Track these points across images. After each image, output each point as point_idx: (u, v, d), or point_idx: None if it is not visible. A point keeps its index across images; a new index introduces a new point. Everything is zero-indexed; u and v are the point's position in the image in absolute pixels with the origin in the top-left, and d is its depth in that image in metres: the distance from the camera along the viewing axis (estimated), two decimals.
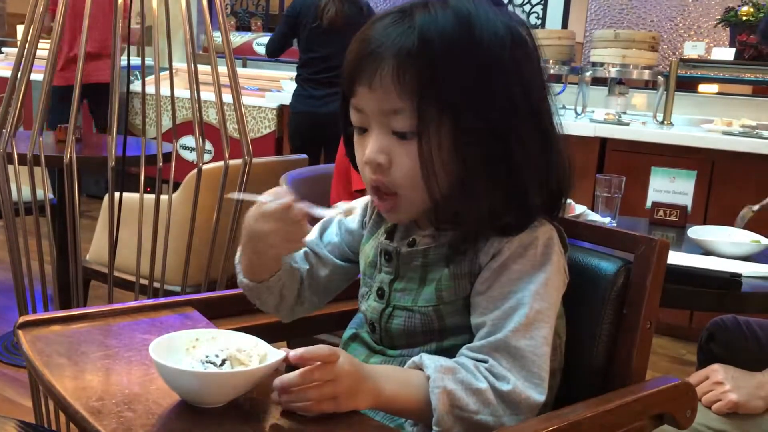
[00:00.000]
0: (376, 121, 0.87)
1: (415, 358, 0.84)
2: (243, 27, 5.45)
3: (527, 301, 0.85)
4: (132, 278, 2.23)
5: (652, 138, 3.36)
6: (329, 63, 3.64)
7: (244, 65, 5.06)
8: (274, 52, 3.97)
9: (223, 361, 0.74)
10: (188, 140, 4.48)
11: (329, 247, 1.07)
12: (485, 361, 0.83)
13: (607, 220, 2.04)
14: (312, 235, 1.07)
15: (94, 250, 2.57)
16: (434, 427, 0.80)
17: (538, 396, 0.83)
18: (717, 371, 1.49)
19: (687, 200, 2.19)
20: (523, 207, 0.88)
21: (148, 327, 0.92)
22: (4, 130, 1.99)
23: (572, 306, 0.97)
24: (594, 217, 2.05)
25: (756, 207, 1.85)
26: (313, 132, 3.73)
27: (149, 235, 1.92)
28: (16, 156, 1.94)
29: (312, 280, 1.05)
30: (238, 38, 5.09)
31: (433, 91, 0.83)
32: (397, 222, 0.96)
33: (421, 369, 0.82)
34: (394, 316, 0.94)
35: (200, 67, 2.00)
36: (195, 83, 1.93)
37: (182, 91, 3.70)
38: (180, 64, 3.98)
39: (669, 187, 2.23)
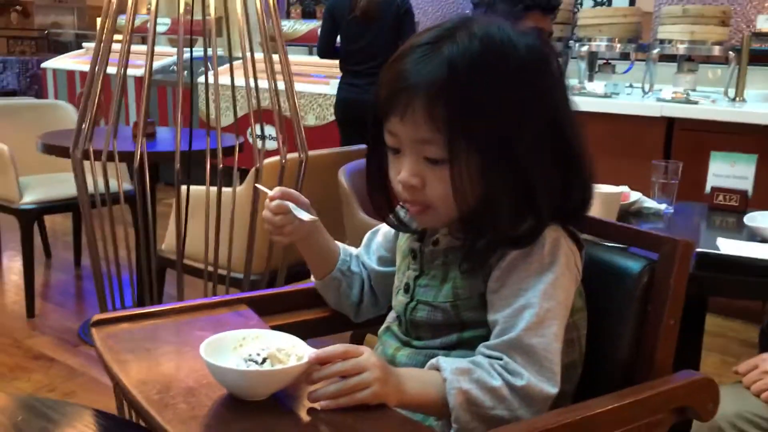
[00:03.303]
0: (408, 148, 0.93)
1: (433, 361, 0.91)
2: (308, 14, 5.55)
3: (536, 301, 0.91)
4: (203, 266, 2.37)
5: (722, 117, 3.28)
6: (368, 53, 3.69)
7: (310, 53, 5.16)
8: (324, 52, 4.02)
9: (264, 360, 0.83)
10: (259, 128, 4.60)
11: (376, 256, 1.17)
12: (500, 359, 0.90)
13: (663, 206, 2.03)
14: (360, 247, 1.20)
15: (169, 241, 2.72)
16: (453, 424, 0.87)
17: (551, 389, 0.89)
18: (766, 360, 1.50)
19: (747, 185, 2.15)
20: (536, 222, 0.93)
21: (205, 324, 1.02)
22: (83, 126, 2.14)
23: (599, 302, 1.02)
24: (650, 203, 2.04)
25: None
26: (357, 118, 3.77)
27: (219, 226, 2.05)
28: (92, 153, 2.09)
29: (368, 285, 1.16)
30: (303, 26, 5.19)
31: (462, 122, 0.88)
32: (425, 226, 1.04)
33: (439, 370, 0.89)
34: (417, 309, 1.01)
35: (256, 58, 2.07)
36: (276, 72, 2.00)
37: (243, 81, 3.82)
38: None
39: (729, 172, 2.19)
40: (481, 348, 0.93)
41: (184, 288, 2.16)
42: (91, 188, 2.13)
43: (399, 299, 1.06)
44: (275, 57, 2.10)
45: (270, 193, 1.05)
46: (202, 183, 2.15)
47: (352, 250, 1.18)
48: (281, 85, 2.15)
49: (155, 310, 1.05)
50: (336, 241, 1.17)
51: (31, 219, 3.18)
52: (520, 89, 0.90)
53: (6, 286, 3.55)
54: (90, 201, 2.16)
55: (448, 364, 0.89)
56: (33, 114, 3.75)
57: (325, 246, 1.14)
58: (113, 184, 2.21)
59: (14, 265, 3.75)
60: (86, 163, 2.12)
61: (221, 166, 1.99)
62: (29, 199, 3.16)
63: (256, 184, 1.20)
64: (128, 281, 2.29)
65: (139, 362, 0.91)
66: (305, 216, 1.03)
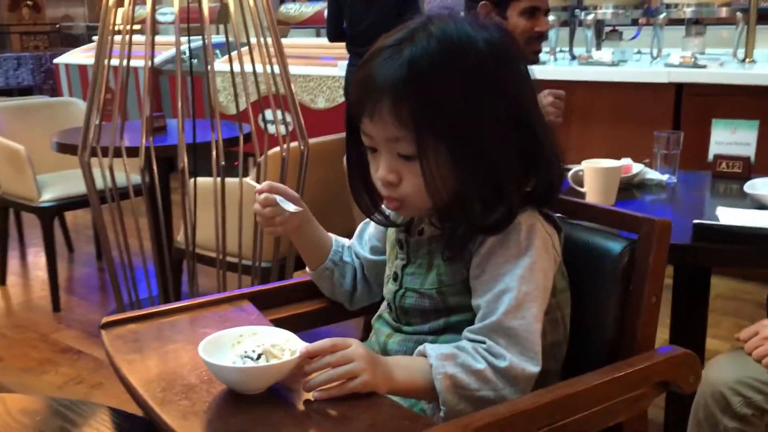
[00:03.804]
0: (382, 146, 0.98)
1: (420, 348, 0.96)
2: None
3: (514, 285, 0.95)
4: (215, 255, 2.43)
5: (730, 80, 3.25)
6: (372, 34, 3.70)
7: (317, 35, 5.17)
8: (332, 36, 4.05)
9: (259, 356, 0.88)
10: (268, 114, 4.65)
11: (368, 246, 1.22)
12: (483, 342, 0.94)
13: (665, 177, 2.04)
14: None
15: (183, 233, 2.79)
16: (441, 407, 0.92)
17: (533, 368, 0.94)
18: (767, 326, 1.53)
19: (750, 151, 2.16)
20: (507, 209, 0.97)
21: (208, 321, 1.08)
22: (90, 126, 2.20)
23: (583, 283, 1.06)
24: (652, 175, 2.05)
25: None
26: None
27: (229, 216, 2.11)
28: (99, 152, 2.15)
29: (361, 274, 1.22)
30: (309, 8, 5.20)
31: (427, 120, 0.93)
32: (405, 216, 1.09)
33: (425, 356, 0.94)
34: (406, 296, 1.07)
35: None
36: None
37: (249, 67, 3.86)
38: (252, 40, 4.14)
39: (731, 138, 2.20)
40: (465, 333, 0.97)
41: (197, 276, 2.22)
42: (105, 184, 2.20)
43: (389, 287, 1.11)
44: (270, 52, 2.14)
45: (258, 186, 1.10)
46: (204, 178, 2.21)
47: (345, 241, 1.23)
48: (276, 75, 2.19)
49: (161, 309, 1.10)
50: (329, 233, 1.21)
51: (50, 216, 3.26)
52: (480, 82, 0.94)
53: (31, 281, 3.65)
54: (104, 196, 2.23)
55: (434, 350, 0.94)
56: (47, 112, 3.83)
57: (316, 238, 1.19)
58: (126, 179, 2.27)
59: (38, 260, 3.85)
60: (96, 159, 2.19)
61: (223, 163, 2.03)
62: (48, 196, 3.24)
63: (247, 179, 1.25)
64: (146, 272, 2.36)
65: (145, 361, 0.97)
66: (291, 207, 1.09)
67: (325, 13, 5.18)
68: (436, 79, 0.92)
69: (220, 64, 4.33)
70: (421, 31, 0.95)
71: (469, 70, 0.93)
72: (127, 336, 1.03)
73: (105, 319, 1.06)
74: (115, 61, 2.25)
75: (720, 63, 3.49)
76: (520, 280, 0.95)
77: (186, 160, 2.03)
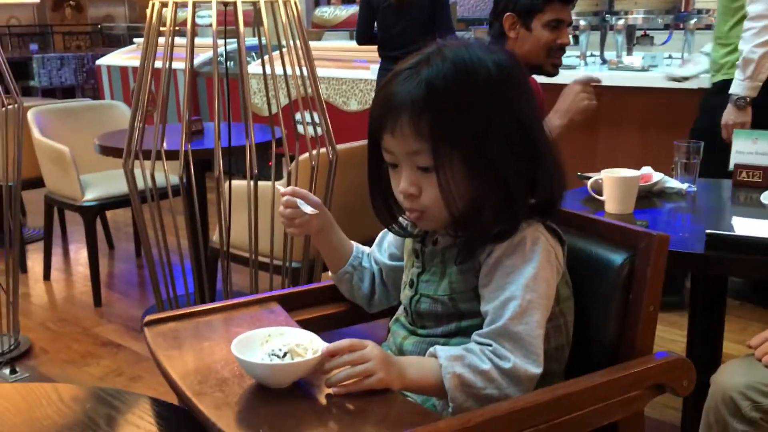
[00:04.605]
0: (403, 160, 1.07)
1: (431, 349, 1.05)
2: None
3: (519, 294, 1.04)
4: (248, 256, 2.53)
5: None
6: (404, 39, 3.78)
7: (351, 38, 5.27)
8: (362, 39, 4.14)
9: (285, 354, 0.98)
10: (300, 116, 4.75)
11: (387, 253, 1.31)
12: (490, 345, 1.03)
13: (685, 185, 2.09)
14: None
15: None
16: (450, 403, 1.01)
17: (536, 369, 1.02)
18: None
19: None
20: (513, 217, 1.06)
21: (241, 321, 1.18)
22: (136, 127, 2.31)
23: (586, 292, 1.14)
24: (672, 183, 2.10)
25: None
26: None
27: (263, 217, 2.21)
28: (141, 155, 2.27)
29: (379, 279, 1.31)
30: (343, 12, 5.30)
31: (443, 133, 1.02)
32: (425, 228, 1.18)
33: (436, 357, 1.03)
34: (421, 302, 1.15)
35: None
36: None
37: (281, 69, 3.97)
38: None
39: (751, 148, 2.24)
40: (474, 336, 1.06)
41: (231, 275, 2.32)
42: (146, 185, 2.31)
43: (405, 293, 1.20)
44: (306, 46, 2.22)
45: (281, 190, 1.21)
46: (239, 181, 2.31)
47: (365, 248, 1.34)
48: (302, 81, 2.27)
49: (198, 309, 1.21)
50: (350, 241, 1.32)
51: (93, 215, 3.41)
52: (489, 99, 1.03)
53: (74, 277, 3.81)
54: (146, 196, 2.34)
55: (444, 351, 1.03)
56: (90, 114, 3.98)
57: (338, 243, 1.29)
58: (165, 180, 2.39)
59: (80, 257, 4.01)
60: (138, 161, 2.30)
61: (256, 171, 2.13)
62: (90, 196, 3.39)
63: (277, 186, 1.35)
64: (183, 270, 2.47)
65: (183, 357, 1.07)
66: (308, 209, 1.20)
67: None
68: (450, 96, 1.02)
69: (255, 67, 4.45)
70: (436, 55, 1.05)
71: (479, 87, 1.03)
72: (167, 333, 1.14)
73: (148, 318, 1.17)
74: (157, 64, 2.36)
75: None
76: (525, 289, 1.03)
77: (222, 167, 2.13)
